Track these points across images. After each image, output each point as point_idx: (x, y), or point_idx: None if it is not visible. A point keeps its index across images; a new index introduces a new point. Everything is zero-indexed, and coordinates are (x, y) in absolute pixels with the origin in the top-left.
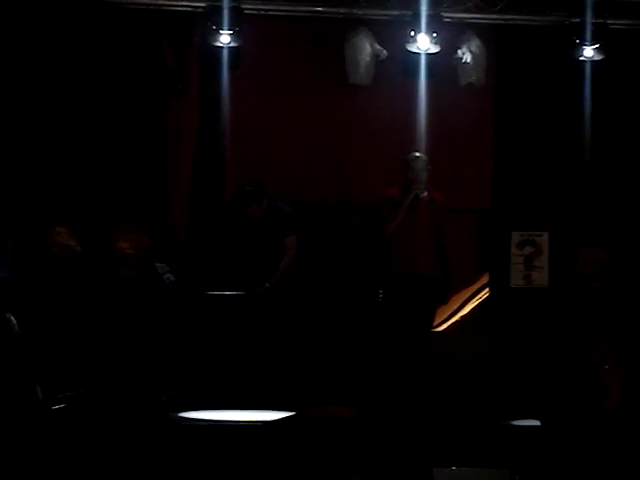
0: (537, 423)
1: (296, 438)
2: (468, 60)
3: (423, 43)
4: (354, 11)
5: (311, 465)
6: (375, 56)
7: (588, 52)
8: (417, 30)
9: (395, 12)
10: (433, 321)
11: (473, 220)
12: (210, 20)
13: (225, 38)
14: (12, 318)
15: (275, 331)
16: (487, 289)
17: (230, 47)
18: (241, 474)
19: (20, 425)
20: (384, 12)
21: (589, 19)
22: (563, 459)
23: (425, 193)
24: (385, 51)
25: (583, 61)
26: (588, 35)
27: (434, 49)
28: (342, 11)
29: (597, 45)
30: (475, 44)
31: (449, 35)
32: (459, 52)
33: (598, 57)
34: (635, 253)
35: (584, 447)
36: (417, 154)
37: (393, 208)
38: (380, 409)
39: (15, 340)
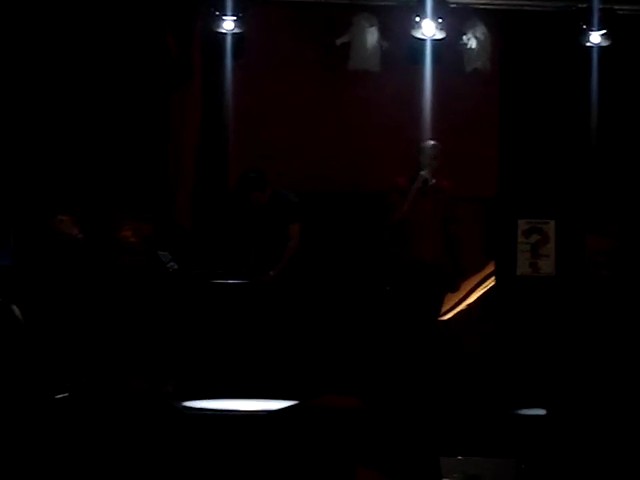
0: (543, 412)
1: (300, 428)
2: (473, 46)
3: (428, 29)
4: None
5: (316, 455)
6: (380, 42)
7: (595, 38)
8: (422, 16)
9: None
10: (440, 309)
11: (479, 208)
12: (213, 6)
13: (228, 24)
14: (16, 309)
15: (279, 320)
16: (493, 277)
17: (234, 34)
18: (245, 464)
19: (25, 417)
20: None
21: (596, 5)
22: (569, 448)
23: (433, 180)
24: (385, 42)
25: (589, 47)
26: (595, 21)
27: (439, 35)
28: None
29: (604, 31)
30: (480, 30)
31: (454, 21)
32: (464, 38)
33: (605, 43)
34: None
35: (590, 436)
36: (432, 142)
37: (401, 196)
38: (386, 398)
39: (20, 332)
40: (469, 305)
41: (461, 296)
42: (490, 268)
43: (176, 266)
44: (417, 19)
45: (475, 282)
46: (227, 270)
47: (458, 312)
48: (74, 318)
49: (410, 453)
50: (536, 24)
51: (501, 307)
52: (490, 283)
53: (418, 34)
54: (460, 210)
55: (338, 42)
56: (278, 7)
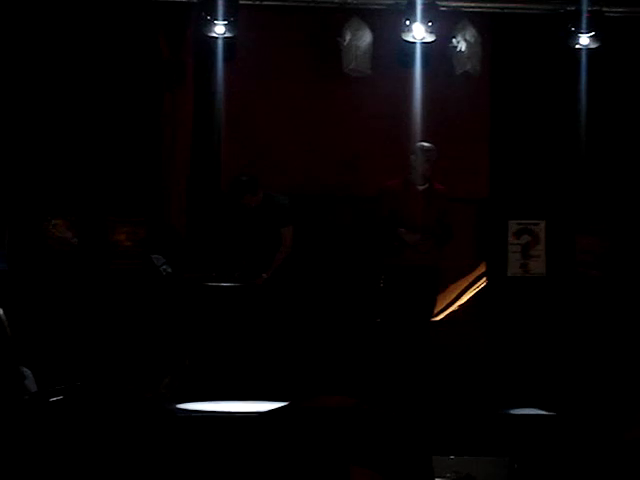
0: (536, 412)
1: (293, 428)
2: (463, 49)
3: (418, 32)
4: (349, 0)
5: (309, 455)
6: (371, 46)
7: (584, 40)
8: (412, 19)
9: (390, 1)
10: (432, 310)
11: (470, 209)
12: (205, 11)
13: (220, 29)
14: (0, 310)
15: (272, 322)
16: (484, 278)
17: (225, 38)
18: (238, 465)
19: (12, 418)
20: (379, 1)
21: (585, 7)
22: (562, 447)
23: (426, 185)
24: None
25: (579, 49)
26: (584, 23)
27: (429, 38)
28: (337, 1)
29: (593, 33)
30: (470, 33)
31: (444, 24)
32: (454, 41)
33: (594, 45)
34: (632, 241)
35: (582, 435)
36: (426, 144)
37: (390, 200)
38: (379, 398)
39: (4, 333)
40: (461, 306)
41: (453, 297)
42: (481, 269)
43: (170, 269)
44: (407, 22)
45: (466, 283)
46: (220, 273)
47: (450, 313)
48: (68, 321)
49: (403, 452)
50: (526, 27)
51: (492, 308)
52: (481, 284)
53: (408, 37)
54: (453, 212)
55: (342, 41)
56: (269, 11)
